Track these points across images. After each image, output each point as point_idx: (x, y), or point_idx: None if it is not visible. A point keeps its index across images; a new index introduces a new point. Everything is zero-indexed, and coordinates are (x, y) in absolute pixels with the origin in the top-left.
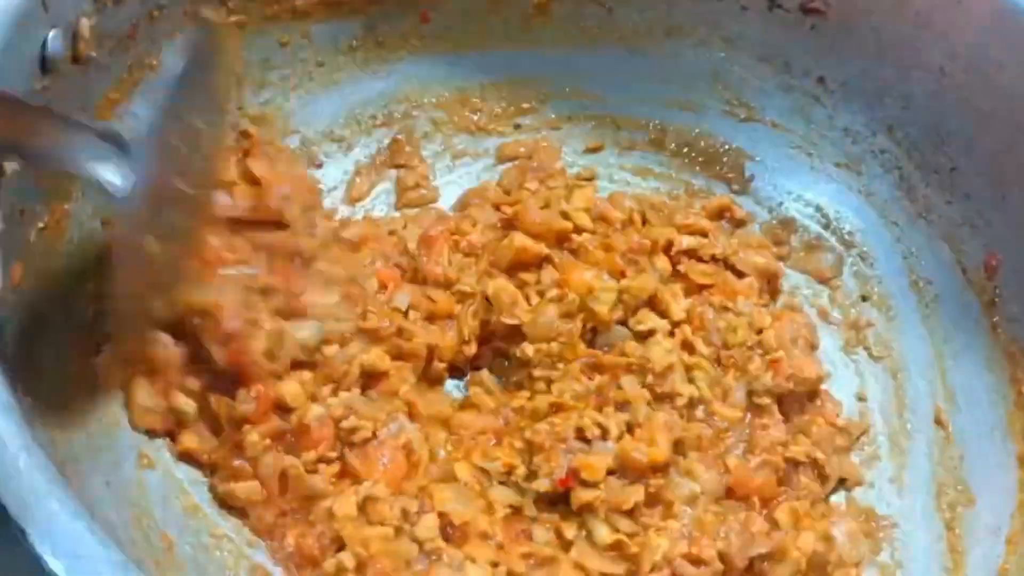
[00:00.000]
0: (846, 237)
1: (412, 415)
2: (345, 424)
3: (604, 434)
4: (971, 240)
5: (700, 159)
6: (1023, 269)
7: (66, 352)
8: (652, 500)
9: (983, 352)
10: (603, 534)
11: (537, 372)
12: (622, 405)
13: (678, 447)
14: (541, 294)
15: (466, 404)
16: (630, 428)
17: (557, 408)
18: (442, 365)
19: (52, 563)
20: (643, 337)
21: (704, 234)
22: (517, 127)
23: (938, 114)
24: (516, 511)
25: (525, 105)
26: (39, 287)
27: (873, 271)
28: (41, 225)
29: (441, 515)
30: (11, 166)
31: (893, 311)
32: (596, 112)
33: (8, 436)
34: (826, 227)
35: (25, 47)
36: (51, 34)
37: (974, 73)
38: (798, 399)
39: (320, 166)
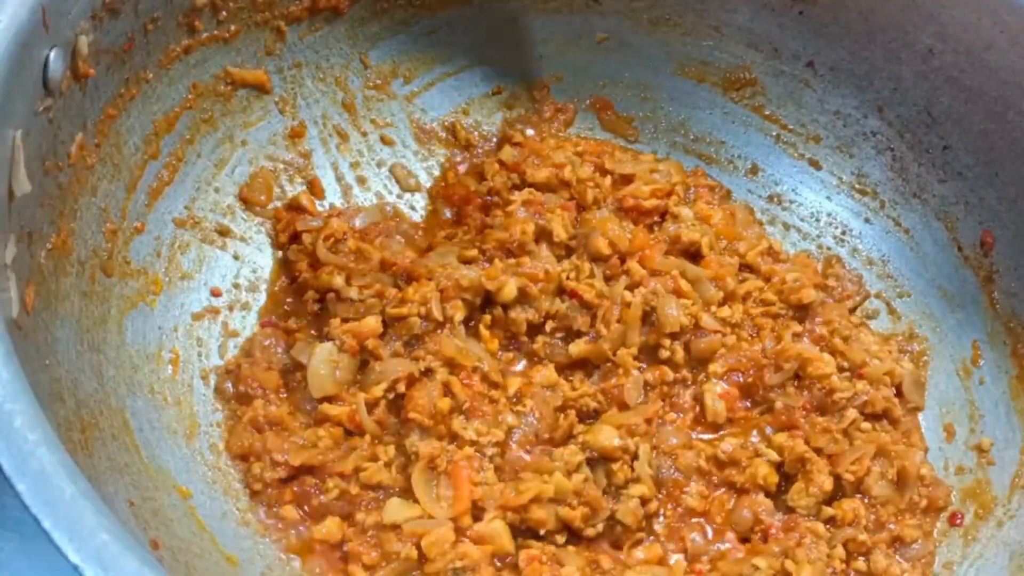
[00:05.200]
0: (841, 220)
1: None
2: None
3: None
4: (966, 217)
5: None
6: (1018, 244)
7: None
8: None
9: (983, 327)
10: None
11: None
12: None
13: None
14: None
15: None
16: None
17: None
18: None
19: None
20: None
21: None
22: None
23: (928, 94)
24: None
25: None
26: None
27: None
28: (49, 246)
29: None
30: (21, 188)
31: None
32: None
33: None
34: (820, 210)
35: (28, 68)
36: (52, 54)
37: (963, 53)
38: None
39: None
